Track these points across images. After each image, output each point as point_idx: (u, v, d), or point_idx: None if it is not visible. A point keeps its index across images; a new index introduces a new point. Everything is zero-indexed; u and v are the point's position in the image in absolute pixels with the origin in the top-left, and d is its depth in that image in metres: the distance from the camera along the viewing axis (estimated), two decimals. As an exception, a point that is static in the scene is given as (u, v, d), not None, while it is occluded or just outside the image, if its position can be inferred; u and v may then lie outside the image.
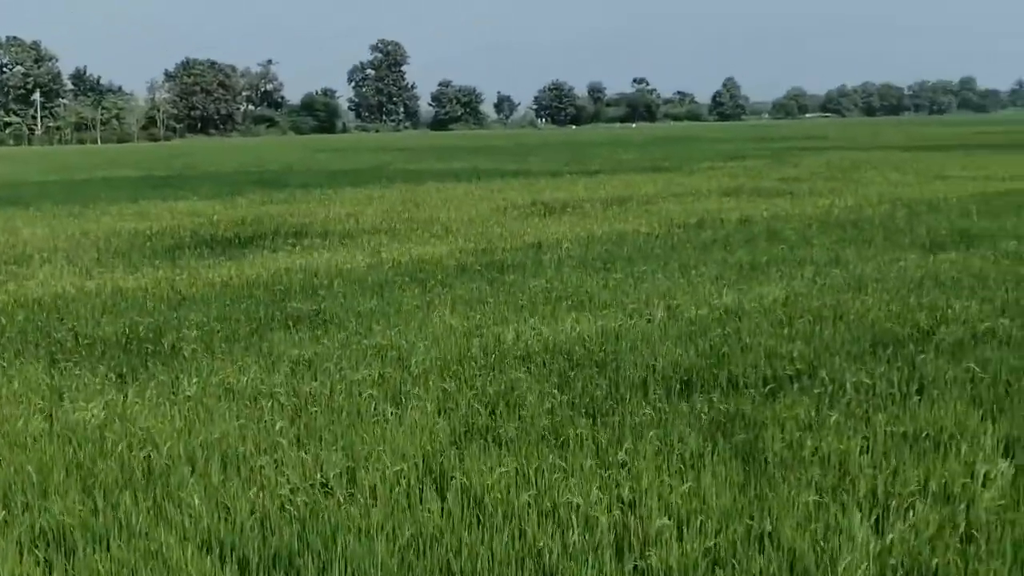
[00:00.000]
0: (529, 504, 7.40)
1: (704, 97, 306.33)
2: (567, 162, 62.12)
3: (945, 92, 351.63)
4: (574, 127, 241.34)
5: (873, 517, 7.06)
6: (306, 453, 8.57)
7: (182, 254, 22.28)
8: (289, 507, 7.52)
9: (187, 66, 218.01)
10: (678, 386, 10.40)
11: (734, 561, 6.46)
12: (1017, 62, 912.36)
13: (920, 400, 9.64)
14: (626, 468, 8.06)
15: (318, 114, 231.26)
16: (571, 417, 9.40)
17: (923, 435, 8.62)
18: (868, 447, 8.39)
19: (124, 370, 11.71)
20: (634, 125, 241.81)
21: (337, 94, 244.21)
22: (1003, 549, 6.54)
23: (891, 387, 10.05)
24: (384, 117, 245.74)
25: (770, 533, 6.85)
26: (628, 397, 10.00)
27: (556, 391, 10.24)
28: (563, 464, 8.17)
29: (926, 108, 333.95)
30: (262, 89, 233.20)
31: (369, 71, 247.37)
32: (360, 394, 10.31)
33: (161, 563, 6.74)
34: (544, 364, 11.40)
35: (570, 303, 15.05)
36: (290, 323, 14.07)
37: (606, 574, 6.39)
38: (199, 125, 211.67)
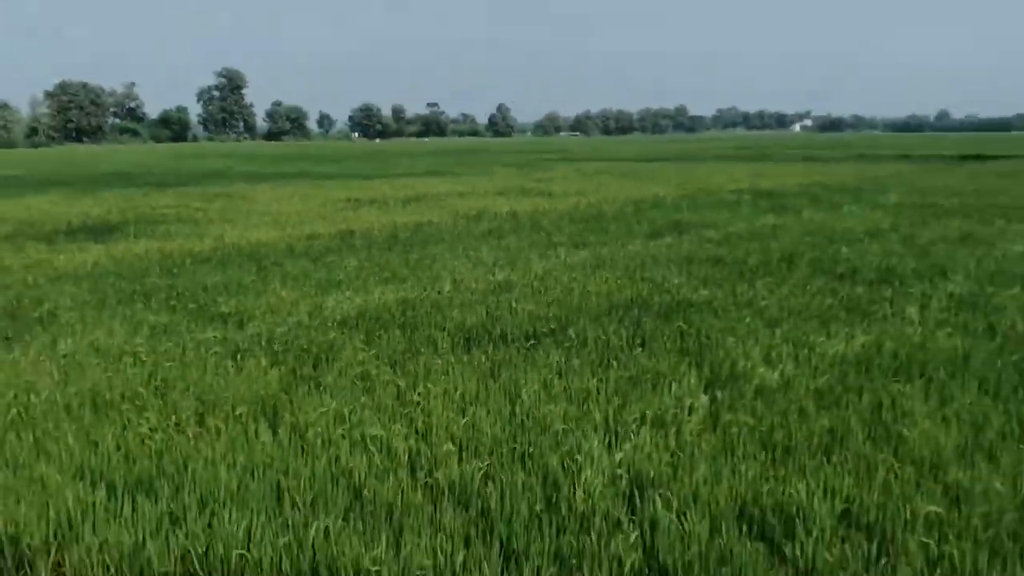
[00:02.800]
0: (343, 436, 7.35)
1: (482, 118, 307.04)
2: (376, 167, 61.53)
3: (664, 117, 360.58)
4: (379, 140, 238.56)
5: (607, 440, 7.24)
6: (163, 400, 8.32)
7: (59, 238, 21.30)
8: (149, 442, 7.29)
9: (64, 87, 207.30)
10: (462, 342, 10.46)
11: (502, 476, 6.54)
12: (719, 95, 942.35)
13: (643, 351, 9.92)
14: (420, 406, 8.07)
15: (173, 127, 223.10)
16: (377, 367, 9.36)
17: (645, 377, 8.87)
18: (603, 387, 8.59)
19: (10, 334, 11.15)
20: (427, 139, 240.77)
21: (188, 111, 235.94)
22: (701, 461, 6.78)
23: (621, 341, 10.30)
24: (227, 130, 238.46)
25: (530, 454, 6.96)
26: (422, 351, 10.02)
27: (365, 346, 10.18)
28: (371, 404, 8.14)
29: (649, 130, 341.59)
30: (127, 106, 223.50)
31: (215, 92, 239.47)
32: (207, 351, 10.06)
33: (41, 488, 6.46)
34: (357, 325, 11.32)
35: (377, 278, 14.96)
36: (149, 295, 13.61)
37: (403, 487, 6.39)
38: (74, 134, 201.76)
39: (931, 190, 34.01)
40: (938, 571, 5.32)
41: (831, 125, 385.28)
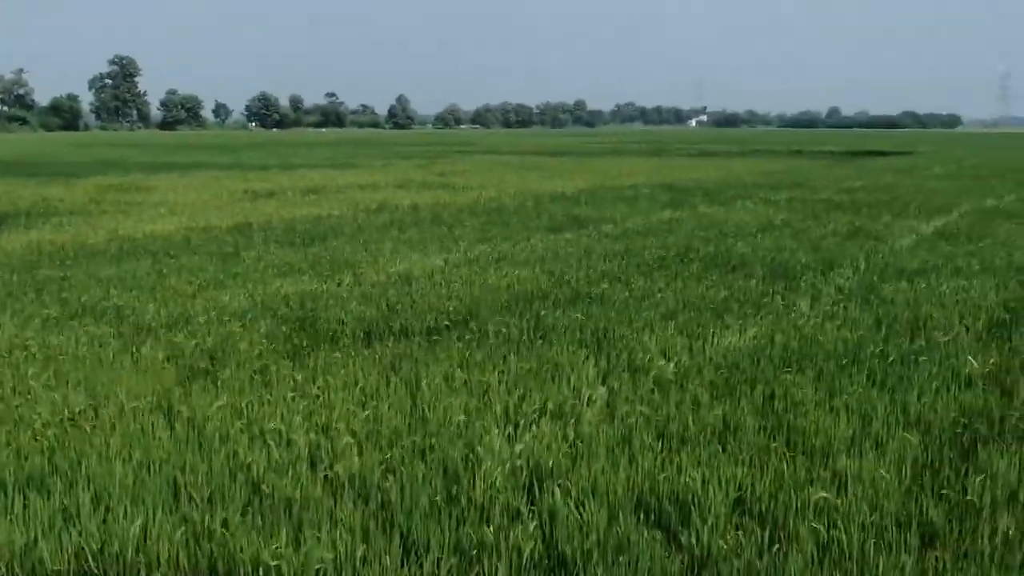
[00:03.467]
0: (241, 430, 7.26)
1: (382, 110, 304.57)
2: (274, 158, 60.71)
3: (563, 111, 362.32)
4: (277, 130, 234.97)
5: (508, 431, 7.28)
6: (55, 395, 8.11)
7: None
8: (41, 438, 7.10)
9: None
10: (362, 335, 10.41)
11: (402, 469, 6.53)
12: (617, 89, 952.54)
13: (543, 343, 9.99)
14: (320, 400, 8.01)
15: (64, 115, 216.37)
16: (276, 361, 9.26)
17: (545, 369, 8.94)
18: (504, 379, 8.63)
19: None
20: (325, 130, 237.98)
21: (80, 98, 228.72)
22: (600, 452, 6.87)
23: (522, 334, 10.37)
24: (121, 119, 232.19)
25: (431, 446, 6.96)
26: (322, 344, 9.94)
27: (264, 340, 10.06)
28: (269, 398, 8.05)
29: (549, 123, 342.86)
30: (15, 93, 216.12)
31: (107, 80, 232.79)
32: (100, 345, 9.83)
33: (-74, 489, 6.24)
34: (255, 319, 11.17)
35: (276, 271, 14.78)
36: (40, 288, 13.24)
37: (302, 481, 6.34)
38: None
39: (822, 186, 34.89)
40: (828, 556, 5.49)
41: (726, 121, 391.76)
